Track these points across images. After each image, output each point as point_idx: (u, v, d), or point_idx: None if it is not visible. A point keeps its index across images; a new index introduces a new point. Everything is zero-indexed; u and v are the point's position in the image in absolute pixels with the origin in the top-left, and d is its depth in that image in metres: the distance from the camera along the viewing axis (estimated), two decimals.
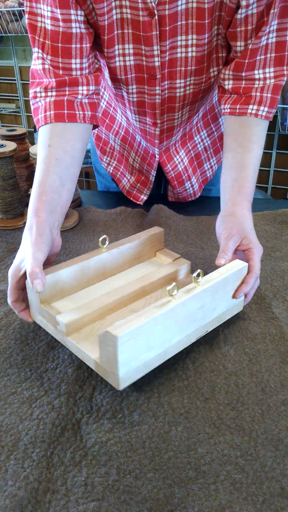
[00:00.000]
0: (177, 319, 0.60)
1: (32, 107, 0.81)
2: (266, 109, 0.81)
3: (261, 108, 0.81)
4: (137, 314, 0.56)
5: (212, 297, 0.64)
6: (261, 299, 0.79)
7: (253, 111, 0.81)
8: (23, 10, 2.38)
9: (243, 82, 0.82)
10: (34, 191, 0.73)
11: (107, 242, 0.74)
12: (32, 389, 0.62)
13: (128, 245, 0.76)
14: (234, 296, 0.68)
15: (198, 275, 0.62)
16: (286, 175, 2.53)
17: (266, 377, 0.64)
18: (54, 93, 0.79)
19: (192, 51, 0.81)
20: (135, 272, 0.77)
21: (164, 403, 0.60)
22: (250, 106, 0.81)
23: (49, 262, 0.72)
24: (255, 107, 0.81)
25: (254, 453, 0.54)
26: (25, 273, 0.64)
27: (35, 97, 0.80)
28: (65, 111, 0.78)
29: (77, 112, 0.79)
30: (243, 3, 0.73)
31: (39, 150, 0.77)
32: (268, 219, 1.06)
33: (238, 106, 0.82)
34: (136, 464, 0.52)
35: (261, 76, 0.81)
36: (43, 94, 0.80)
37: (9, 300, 0.68)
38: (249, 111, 0.81)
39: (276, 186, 2.58)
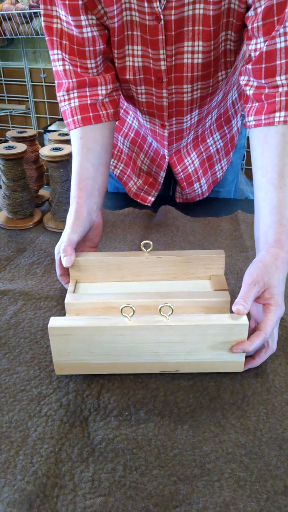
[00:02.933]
0: (127, 342, 0.61)
1: (60, 110, 0.88)
2: None
3: None
4: (87, 317, 0.62)
5: (184, 338, 0.61)
6: None
7: (281, 118, 0.73)
8: (34, 13, 2.42)
9: (266, 90, 0.76)
10: (72, 180, 0.81)
11: (150, 247, 0.75)
12: (41, 386, 0.63)
13: (171, 258, 0.75)
14: (230, 349, 0.62)
15: (169, 308, 0.59)
16: None
17: (271, 377, 0.64)
18: (76, 95, 0.85)
19: (198, 58, 0.81)
20: (170, 285, 0.76)
21: (170, 401, 0.61)
22: (277, 114, 0.73)
23: (94, 245, 0.82)
24: (283, 113, 0.73)
25: (259, 451, 0.54)
26: None
27: (60, 101, 0.88)
28: (91, 114, 0.85)
29: (100, 113, 0.86)
30: (250, 0, 0.72)
31: (73, 143, 0.86)
32: None
33: (263, 116, 0.75)
34: (142, 461, 0.53)
35: (284, 82, 0.74)
36: (66, 97, 0.86)
37: (57, 274, 0.78)
38: (276, 119, 0.73)
39: None
